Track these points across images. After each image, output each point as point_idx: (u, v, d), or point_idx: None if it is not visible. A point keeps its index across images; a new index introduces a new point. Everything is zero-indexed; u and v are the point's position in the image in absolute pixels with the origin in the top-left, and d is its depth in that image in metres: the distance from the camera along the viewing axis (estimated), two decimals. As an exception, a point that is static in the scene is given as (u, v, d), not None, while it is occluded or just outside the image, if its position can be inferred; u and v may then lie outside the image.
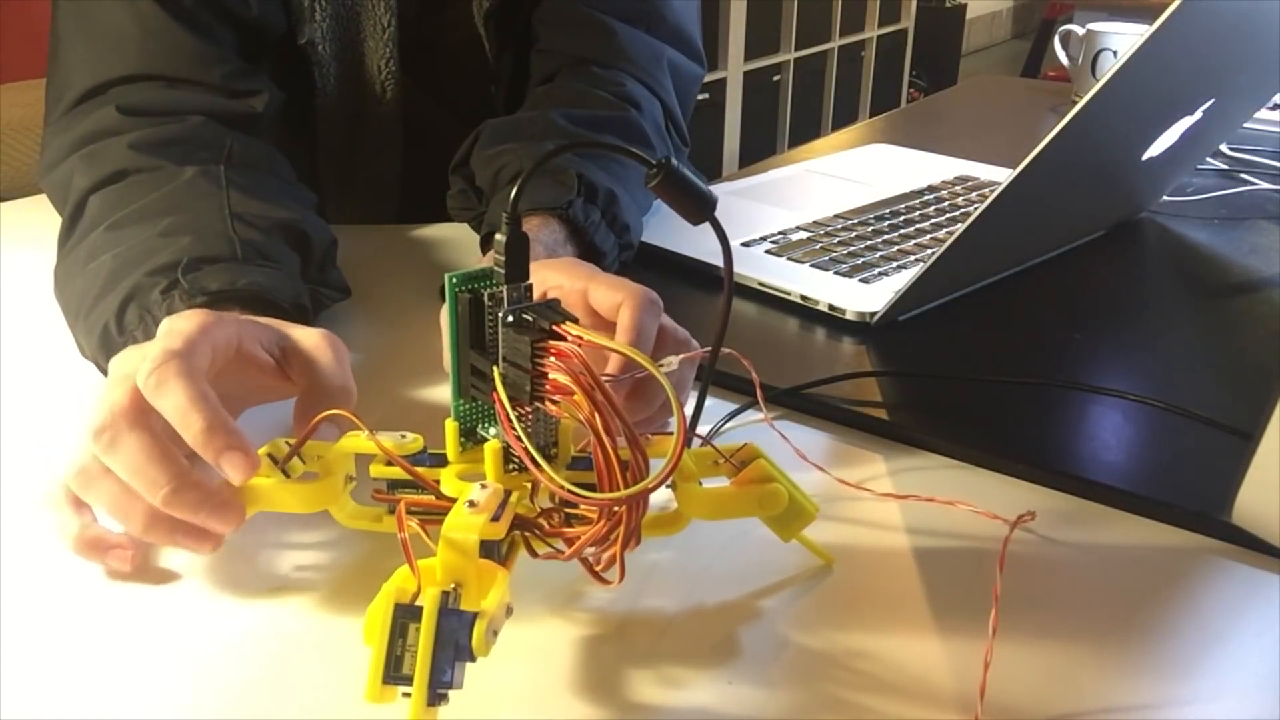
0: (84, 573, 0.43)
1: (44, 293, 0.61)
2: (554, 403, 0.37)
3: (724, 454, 0.43)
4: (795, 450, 0.50)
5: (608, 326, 0.49)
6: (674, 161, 0.37)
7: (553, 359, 0.36)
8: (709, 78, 2.99)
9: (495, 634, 0.33)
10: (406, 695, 0.32)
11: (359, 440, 0.42)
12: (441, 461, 0.42)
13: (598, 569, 0.38)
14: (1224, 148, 1.02)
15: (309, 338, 0.47)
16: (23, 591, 0.42)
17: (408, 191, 0.85)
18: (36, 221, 0.66)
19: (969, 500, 0.48)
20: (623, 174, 0.69)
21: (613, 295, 0.49)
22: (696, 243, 0.73)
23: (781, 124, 3.50)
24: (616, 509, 0.35)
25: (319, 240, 0.62)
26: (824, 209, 0.83)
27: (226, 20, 0.68)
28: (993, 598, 0.40)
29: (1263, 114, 1.09)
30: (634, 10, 0.80)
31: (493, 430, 0.41)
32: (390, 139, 0.81)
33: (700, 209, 0.38)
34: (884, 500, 0.49)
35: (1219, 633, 0.41)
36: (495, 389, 0.38)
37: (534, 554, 0.39)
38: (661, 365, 0.35)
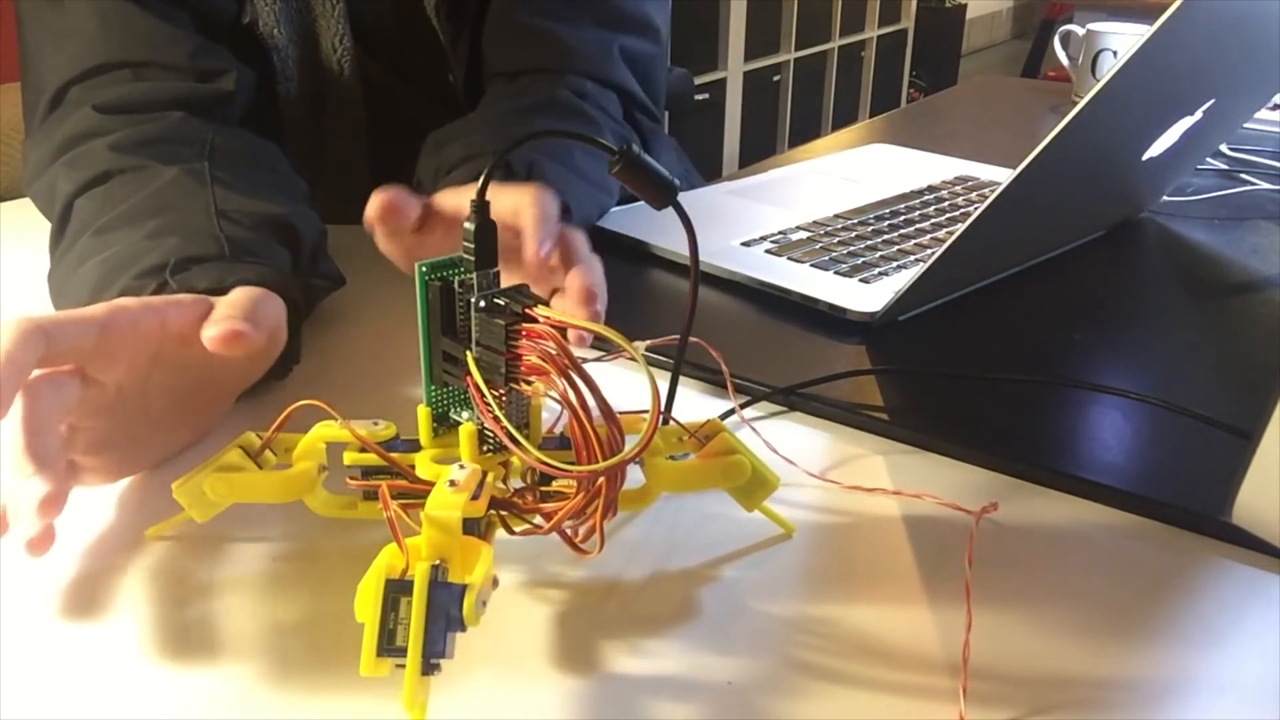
0: (82, 572, 0.43)
1: (43, 292, 0.61)
2: (528, 383, 0.38)
3: (689, 429, 0.45)
4: (766, 443, 0.51)
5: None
6: (635, 149, 0.38)
7: (527, 341, 0.37)
8: (709, 77, 2.99)
9: (484, 604, 0.33)
10: (400, 667, 0.32)
11: (331, 429, 0.42)
12: (414, 447, 0.43)
13: (576, 540, 0.39)
14: (1224, 148, 1.02)
15: (237, 293, 0.48)
16: (23, 591, 0.42)
17: (378, 177, 0.85)
18: (36, 221, 0.66)
19: (966, 499, 0.48)
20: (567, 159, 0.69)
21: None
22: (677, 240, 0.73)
23: (781, 124, 3.50)
24: (598, 480, 0.37)
25: (308, 233, 0.61)
26: (824, 209, 0.83)
27: (180, 4, 0.69)
28: (964, 579, 0.41)
29: (1263, 114, 1.10)
30: (575, 7, 0.79)
31: (465, 414, 0.42)
32: (353, 119, 0.81)
33: (662, 195, 0.39)
34: (860, 494, 0.49)
35: (1219, 633, 0.41)
36: (470, 373, 0.39)
37: (511, 531, 0.40)
38: (635, 344, 0.36)
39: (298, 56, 0.78)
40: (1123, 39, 1.21)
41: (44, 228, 0.64)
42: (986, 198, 0.57)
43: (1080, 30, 1.26)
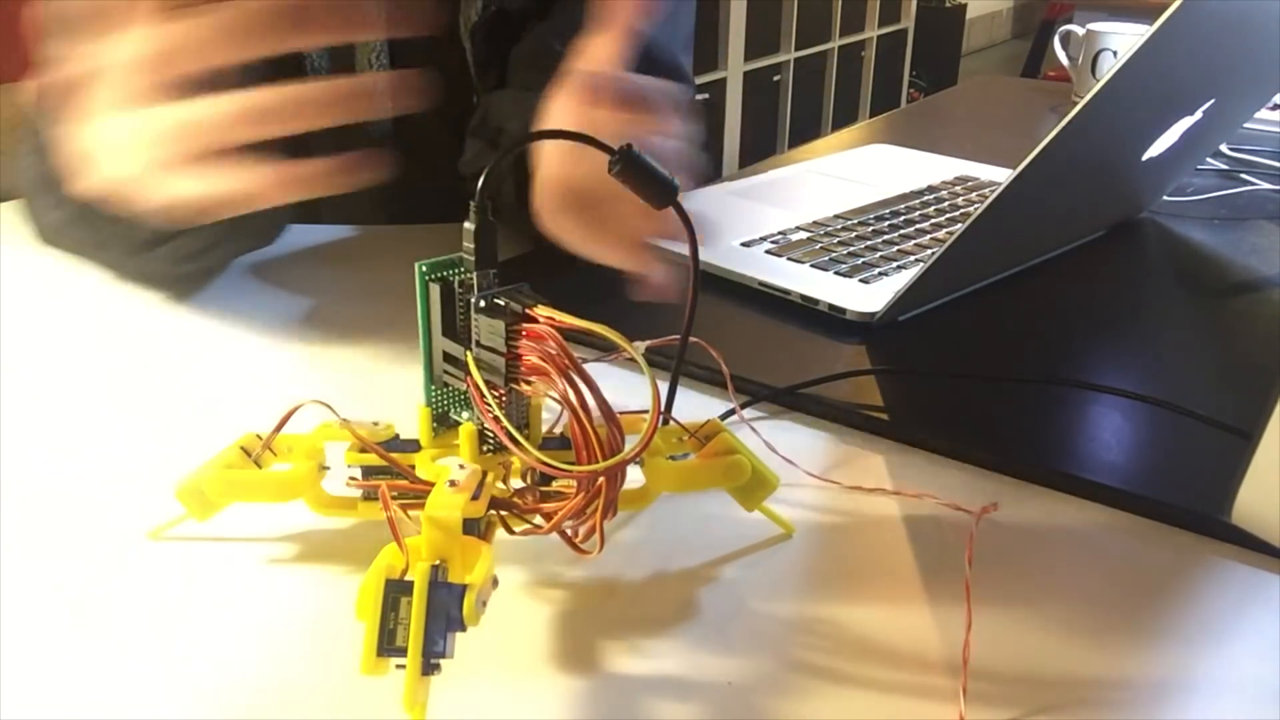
0: (82, 572, 0.43)
1: (44, 293, 0.61)
2: (529, 383, 0.38)
3: (689, 429, 0.45)
4: (765, 444, 0.51)
5: None
6: (634, 149, 0.38)
7: (527, 341, 0.37)
8: (709, 77, 2.99)
9: (484, 604, 0.33)
10: (400, 667, 0.32)
11: (331, 429, 0.43)
12: (414, 447, 0.43)
13: (576, 540, 0.39)
14: (1224, 148, 1.02)
15: None
16: (23, 591, 0.42)
17: (398, 189, 0.85)
18: (37, 221, 0.67)
19: (966, 499, 0.48)
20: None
21: None
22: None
23: (781, 124, 3.50)
24: (598, 480, 0.37)
25: None
26: (824, 209, 0.83)
27: None
28: (964, 579, 0.41)
29: (1263, 114, 1.09)
30: None
31: (465, 414, 0.42)
32: (377, 128, 0.81)
33: (662, 195, 0.39)
34: (860, 494, 0.49)
35: (1219, 633, 0.41)
36: (470, 373, 0.39)
37: (511, 531, 0.40)
38: (635, 344, 0.37)
39: (331, 68, 0.78)
40: (1123, 39, 1.21)
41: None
42: (986, 198, 0.58)
43: (1080, 30, 1.26)
